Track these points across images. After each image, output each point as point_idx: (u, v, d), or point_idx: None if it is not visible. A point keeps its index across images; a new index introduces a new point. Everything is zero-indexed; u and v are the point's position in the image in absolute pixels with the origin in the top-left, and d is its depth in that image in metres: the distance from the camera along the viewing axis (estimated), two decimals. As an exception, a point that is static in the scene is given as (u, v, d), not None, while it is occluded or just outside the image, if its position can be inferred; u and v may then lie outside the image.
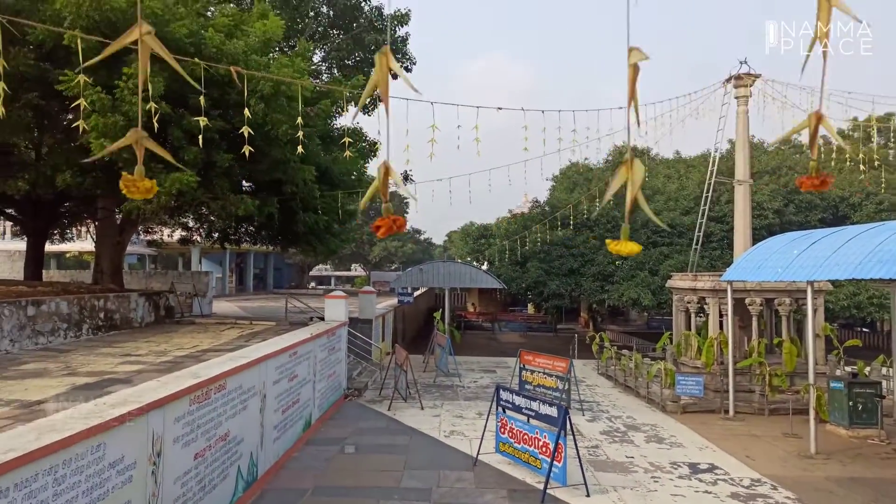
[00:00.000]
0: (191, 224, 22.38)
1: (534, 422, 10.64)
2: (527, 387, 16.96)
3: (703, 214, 21.07)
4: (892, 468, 11.90)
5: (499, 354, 29.48)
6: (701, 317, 19.63)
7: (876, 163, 40.91)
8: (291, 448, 11.74)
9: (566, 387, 15.53)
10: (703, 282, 18.45)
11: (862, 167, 37.74)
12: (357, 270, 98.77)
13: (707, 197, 21.05)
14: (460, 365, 23.20)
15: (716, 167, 20.58)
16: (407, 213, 73.18)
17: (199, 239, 22.71)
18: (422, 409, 15.93)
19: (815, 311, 18.41)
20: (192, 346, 12.84)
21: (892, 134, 49.47)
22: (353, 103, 18.68)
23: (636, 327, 51.90)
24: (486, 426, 11.81)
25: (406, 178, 19.00)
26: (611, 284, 30.62)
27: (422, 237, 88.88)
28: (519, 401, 10.96)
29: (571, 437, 9.92)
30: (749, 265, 15.23)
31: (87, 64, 9.69)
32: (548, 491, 9.64)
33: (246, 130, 6.84)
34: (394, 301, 31.21)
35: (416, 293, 39.31)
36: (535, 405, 10.51)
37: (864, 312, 30.53)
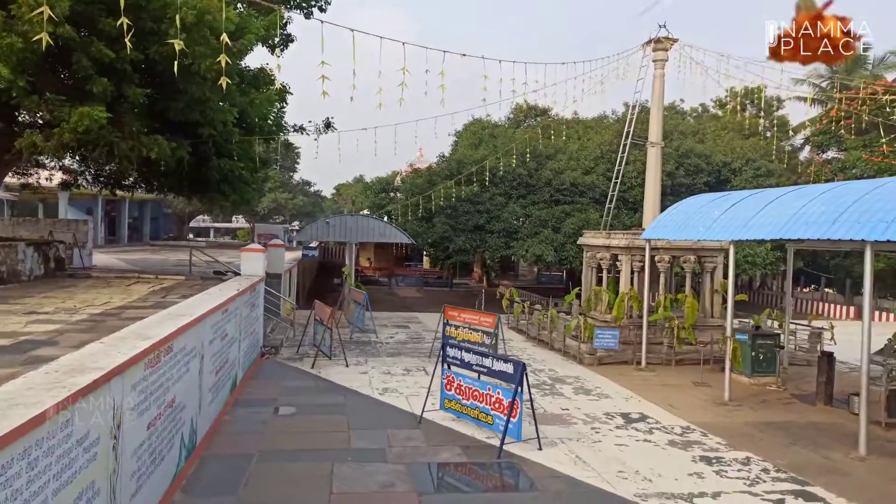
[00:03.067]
0: (75, 166, 20.10)
1: (485, 378, 10.56)
2: (451, 341, 16.88)
3: (617, 175, 21.74)
4: (795, 412, 13.00)
5: (401, 309, 29.32)
6: (610, 274, 20.35)
7: (762, 129, 44.02)
8: (222, 411, 10.98)
9: (493, 342, 15.62)
10: (617, 239, 19.08)
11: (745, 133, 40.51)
12: (240, 222, 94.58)
13: (622, 157, 21.68)
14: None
15: (632, 128, 21.17)
16: (298, 163, 70.62)
17: (84, 184, 20.47)
18: (347, 366, 15.49)
19: (714, 269, 19.77)
20: (103, 302, 11.55)
21: (763, 104, 53.41)
22: (267, 43, 17.34)
23: (527, 282, 53.54)
24: (430, 384, 11.61)
25: (328, 125, 17.99)
26: (515, 241, 31.16)
27: (311, 189, 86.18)
28: (469, 357, 10.82)
29: (528, 393, 9.93)
30: (671, 224, 15.86)
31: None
32: (503, 446, 9.63)
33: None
34: (297, 255, 30.11)
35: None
36: (487, 361, 10.42)
37: (738, 269, 33.12)
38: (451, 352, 11.26)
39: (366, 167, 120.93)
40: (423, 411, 11.24)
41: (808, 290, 44.10)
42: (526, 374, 9.77)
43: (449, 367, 11.27)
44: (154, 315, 8.67)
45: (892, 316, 33.96)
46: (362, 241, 28.89)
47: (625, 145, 21.61)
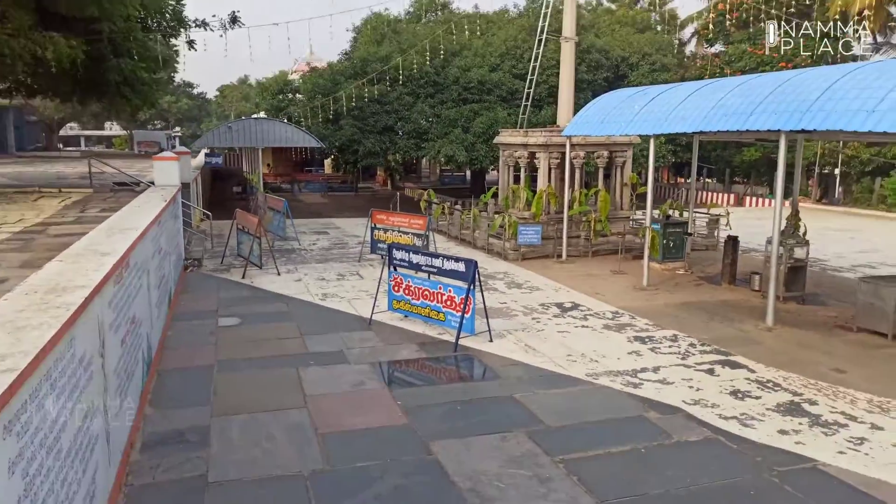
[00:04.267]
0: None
1: (436, 278, 10.81)
2: (379, 245, 16.99)
3: (533, 71, 21.77)
4: (706, 292, 14.28)
5: (311, 216, 28.77)
6: (526, 172, 20.78)
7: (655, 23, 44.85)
8: (165, 326, 10.66)
9: (424, 244, 15.82)
10: (535, 137, 19.43)
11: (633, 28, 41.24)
12: (114, 129, 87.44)
13: (538, 53, 21.67)
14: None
15: (547, 22, 21.08)
16: (178, 63, 65.30)
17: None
18: (279, 275, 15.28)
19: (623, 163, 20.69)
20: (17, 220, 10.59)
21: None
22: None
23: (430, 183, 53.74)
24: (378, 287, 11.74)
25: (234, 20, 16.61)
26: (426, 142, 30.92)
27: (195, 91, 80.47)
28: (418, 259, 10.99)
29: (480, 289, 10.30)
30: (591, 120, 16.31)
31: None
32: (458, 341, 10.05)
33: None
34: (198, 162, 28.51)
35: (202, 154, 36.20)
36: (437, 262, 10.63)
37: (635, 163, 34.75)
38: (397, 254, 11.36)
39: (250, 68, 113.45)
40: (372, 313, 11.41)
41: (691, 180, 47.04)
42: (478, 271, 10.09)
43: (395, 269, 11.41)
44: (95, 230, 8.12)
45: (766, 202, 37.06)
46: (267, 147, 27.67)
47: (540, 41, 21.57)
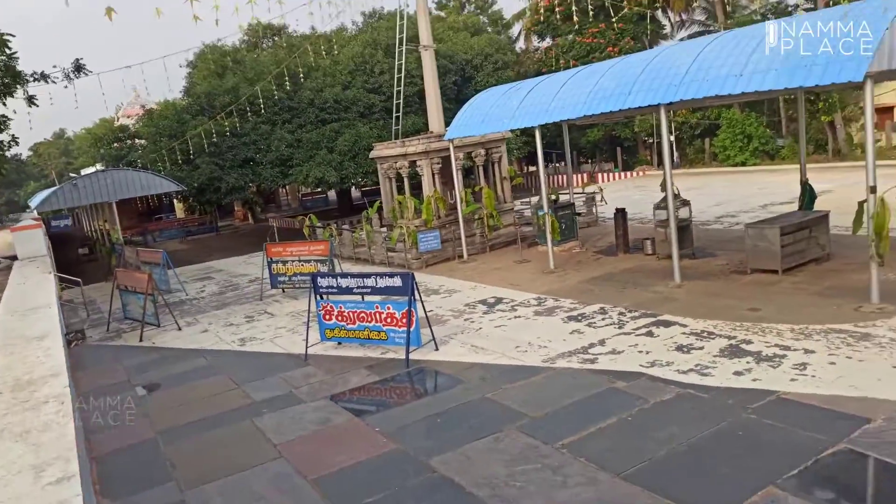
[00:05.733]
0: None
1: (370, 298, 10.57)
2: (280, 279, 16.34)
3: (399, 82, 21.90)
4: (608, 264, 15.11)
5: (183, 264, 26.99)
6: (401, 183, 20.84)
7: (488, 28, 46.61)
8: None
9: (330, 267, 15.41)
10: (413, 146, 19.55)
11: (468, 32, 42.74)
12: None
13: (400, 65, 21.84)
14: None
15: (405, 35, 21.31)
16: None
17: None
18: (180, 329, 14.21)
19: (500, 158, 21.40)
20: None
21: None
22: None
23: (294, 210, 52.53)
24: (308, 319, 11.24)
25: (79, 68, 15.10)
26: (291, 168, 30.06)
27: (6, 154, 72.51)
28: (347, 282, 10.68)
29: (419, 300, 10.19)
30: (472, 121, 16.70)
31: None
32: (409, 356, 9.90)
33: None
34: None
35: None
36: (370, 281, 10.39)
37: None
38: (322, 281, 10.98)
39: (64, 121, 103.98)
40: (307, 347, 10.94)
41: (548, 166, 49.48)
42: (416, 283, 10.00)
43: (323, 298, 11.01)
44: (-2, 316, 7.11)
45: (615, 175, 39.85)
46: (123, 198, 25.58)
47: (400, 52, 21.75)
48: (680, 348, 8.96)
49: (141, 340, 13.66)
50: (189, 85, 38.47)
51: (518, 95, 15.52)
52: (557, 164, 47.10)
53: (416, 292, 9.98)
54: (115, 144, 36.87)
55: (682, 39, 45.07)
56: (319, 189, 42.62)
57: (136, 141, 35.91)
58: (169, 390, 10.33)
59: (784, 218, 12.92)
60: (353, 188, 41.18)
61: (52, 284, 9.01)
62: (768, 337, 8.89)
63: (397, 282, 10.04)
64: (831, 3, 32.36)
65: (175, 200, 45.56)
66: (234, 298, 17.18)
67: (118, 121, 56.71)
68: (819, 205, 14.48)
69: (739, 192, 23.79)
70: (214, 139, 27.97)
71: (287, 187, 50.55)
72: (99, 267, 26.64)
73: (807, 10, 37.75)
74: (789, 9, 39.18)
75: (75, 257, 33.60)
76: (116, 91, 20.80)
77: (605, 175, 39.96)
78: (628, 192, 27.53)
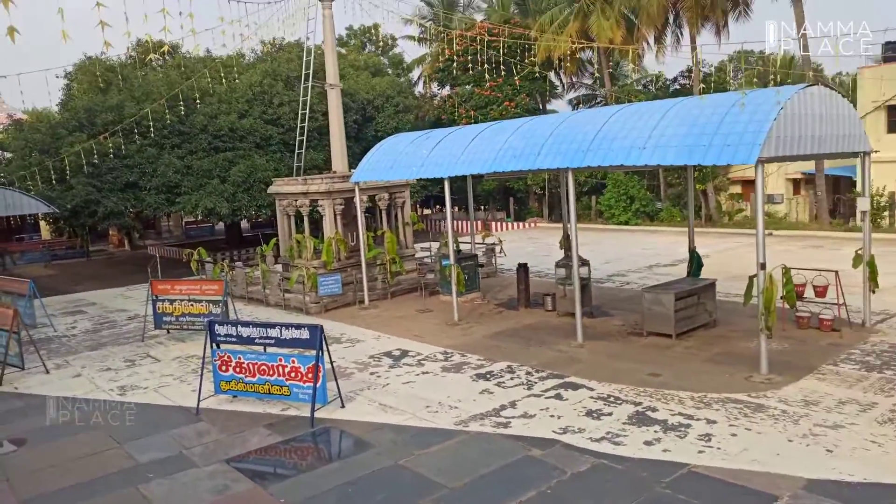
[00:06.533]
0: None
1: (273, 349, 9.95)
2: (166, 318, 15.16)
3: (303, 119, 21.41)
4: (510, 319, 15.24)
5: (50, 293, 24.59)
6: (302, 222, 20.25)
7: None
8: (-79, 470, 8.21)
9: (223, 310, 14.49)
10: (317, 185, 19.05)
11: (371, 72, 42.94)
12: None
13: (305, 101, 21.37)
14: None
15: (311, 71, 20.93)
16: None
17: None
18: (48, 373, 12.75)
19: (403, 203, 21.33)
20: None
21: (378, 41, 57.24)
22: None
23: (176, 239, 49.78)
24: (202, 367, 10.38)
25: None
26: (179, 196, 28.35)
27: None
28: (248, 331, 10.01)
29: (327, 354, 9.71)
30: (379, 166, 16.53)
31: None
32: (314, 414, 9.37)
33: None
34: None
35: None
36: (274, 332, 9.79)
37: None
38: (220, 329, 10.23)
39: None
40: (199, 400, 10.09)
41: (441, 211, 50.10)
42: (324, 336, 9.54)
43: (219, 346, 10.26)
44: None
45: (507, 225, 41.02)
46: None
47: (306, 88, 21.29)
48: (590, 413, 9.08)
49: (0, 384, 12.11)
50: (66, 98, 35.71)
51: (427, 145, 15.58)
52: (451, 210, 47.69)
53: (324, 346, 9.51)
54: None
55: (570, 100, 47.92)
56: (204, 218, 40.55)
57: (1, 153, 32.69)
58: (36, 448, 9.15)
59: (676, 284, 13.65)
60: (247, 220, 39.55)
61: None
62: (671, 404, 9.22)
63: (304, 334, 9.54)
64: (708, 83, 35.56)
65: (41, 220, 41.78)
66: (112, 338, 15.73)
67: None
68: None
69: (626, 251, 25.07)
70: (94, 159, 25.91)
71: (170, 214, 47.79)
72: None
73: (682, 86, 41.38)
74: (667, 82, 42.73)
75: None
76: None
77: (499, 224, 40.97)
78: (521, 244, 28.28)
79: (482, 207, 48.40)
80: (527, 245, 27.82)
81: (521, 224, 40.63)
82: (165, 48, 23.37)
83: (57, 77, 37.70)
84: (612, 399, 9.58)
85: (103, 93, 31.45)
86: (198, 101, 28.87)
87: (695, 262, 14.97)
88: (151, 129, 26.50)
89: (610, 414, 9.02)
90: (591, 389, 10.05)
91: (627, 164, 11.42)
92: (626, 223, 33.83)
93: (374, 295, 18.33)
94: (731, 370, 10.51)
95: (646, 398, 9.52)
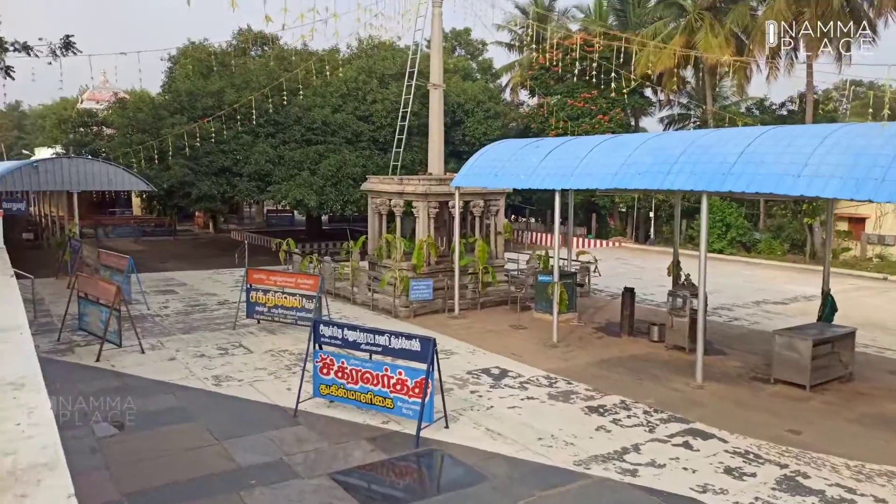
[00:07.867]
0: None
1: (379, 357, 9.37)
2: (258, 308, 14.90)
3: (403, 117, 21.01)
4: (614, 346, 14.19)
5: (139, 270, 25.07)
6: (393, 222, 19.78)
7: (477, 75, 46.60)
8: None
9: (316, 305, 14.10)
10: (413, 186, 18.54)
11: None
12: None
13: (407, 99, 20.97)
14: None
15: (416, 69, 20.49)
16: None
17: None
18: (143, 353, 12.61)
19: (497, 211, 20.57)
20: None
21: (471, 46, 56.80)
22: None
23: (257, 225, 50.66)
24: (304, 369, 9.90)
25: (68, 45, 13.60)
26: (270, 185, 28.55)
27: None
28: (355, 336, 9.45)
29: (438, 371, 9.04)
30: (483, 172, 15.83)
31: None
32: (420, 433, 8.71)
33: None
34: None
35: None
36: (382, 339, 9.21)
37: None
38: (326, 330, 9.72)
39: (20, 92, 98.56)
40: (298, 402, 9.61)
41: (519, 220, 49.16)
42: (436, 351, 8.87)
43: (321, 348, 9.76)
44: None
45: (588, 242, 39.67)
46: (86, 190, 23.69)
47: (409, 86, 20.90)
48: (729, 471, 8.05)
49: (98, 360, 12.03)
50: (169, 80, 36.67)
51: (538, 153, 14.76)
52: (529, 221, 46.78)
53: (436, 361, 8.85)
54: (81, 129, 34.66)
55: (662, 118, 46.13)
56: (286, 207, 40.94)
57: (104, 129, 33.81)
58: (134, 434, 8.84)
59: (809, 329, 12.37)
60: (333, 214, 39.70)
61: (16, 293, 7.52)
62: (824, 472, 8.09)
63: (416, 345, 8.90)
64: (822, 107, 33.29)
65: (133, 196, 43.19)
66: (204, 322, 15.59)
67: (81, 103, 53.95)
68: (803, 309, 13.96)
69: (726, 282, 23.50)
70: (195, 142, 26.33)
71: (257, 201, 48.68)
72: (44, 257, 24.40)
73: (790, 111, 39.13)
74: (773, 106, 40.52)
75: (19, 242, 31.03)
76: (77, 71, 18.74)
77: (580, 241, 39.72)
78: (611, 264, 26.99)
79: (563, 221, 47.17)
80: (616, 266, 26.57)
81: (604, 242, 39.21)
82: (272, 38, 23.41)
83: (161, 60, 38.80)
84: (751, 456, 8.52)
85: (205, 78, 32.07)
86: (301, 92, 29.06)
87: (828, 306, 13.58)
88: (254, 115, 26.76)
89: (753, 475, 7.97)
90: (724, 441, 9.00)
91: (778, 192, 10.30)
92: (721, 251, 32.06)
93: (464, 304, 17.64)
94: (885, 436, 9.25)
95: (791, 460, 8.41)
